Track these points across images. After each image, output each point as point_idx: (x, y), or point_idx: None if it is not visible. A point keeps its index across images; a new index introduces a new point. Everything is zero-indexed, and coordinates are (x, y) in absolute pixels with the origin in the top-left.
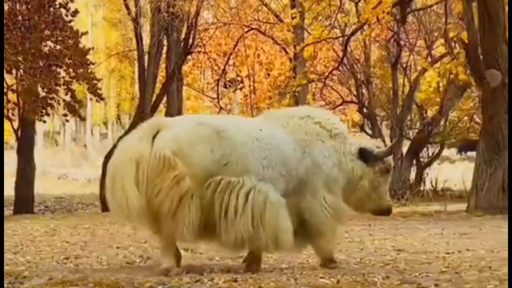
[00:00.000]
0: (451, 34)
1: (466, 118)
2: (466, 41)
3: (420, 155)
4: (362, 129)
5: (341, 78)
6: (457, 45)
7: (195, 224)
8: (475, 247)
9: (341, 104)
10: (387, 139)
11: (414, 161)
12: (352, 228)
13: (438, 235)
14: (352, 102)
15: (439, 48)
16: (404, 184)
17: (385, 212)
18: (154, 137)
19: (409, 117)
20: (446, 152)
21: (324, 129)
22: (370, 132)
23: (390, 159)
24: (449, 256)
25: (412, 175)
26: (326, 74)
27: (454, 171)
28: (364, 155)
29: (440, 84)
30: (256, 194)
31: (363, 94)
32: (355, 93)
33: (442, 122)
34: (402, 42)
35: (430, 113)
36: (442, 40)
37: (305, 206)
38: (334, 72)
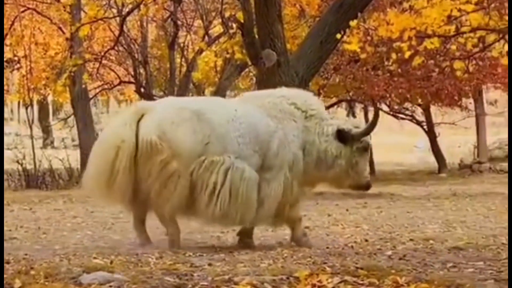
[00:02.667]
0: (227, 14)
1: None
2: (242, 21)
3: None
4: None
5: (118, 58)
6: (233, 25)
7: (181, 202)
8: None
9: (118, 84)
10: None
11: None
12: None
13: None
14: (130, 82)
15: (216, 28)
16: None
17: (364, 187)
18: (138, 121)
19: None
20: None
21: (299, 110)
22: None
23: (367, 138)
24: (223, 235)
25: None
26: (102, 53)
27: None
28: (342, 135)
29: (217, 64)
30: (234, 171)
31: (141, 74)
32: (132, 73)
33: None
34: (179, 22)
35: (208, 92)
36: (219, 20)
37: (265, 178)
38: (112, 52)
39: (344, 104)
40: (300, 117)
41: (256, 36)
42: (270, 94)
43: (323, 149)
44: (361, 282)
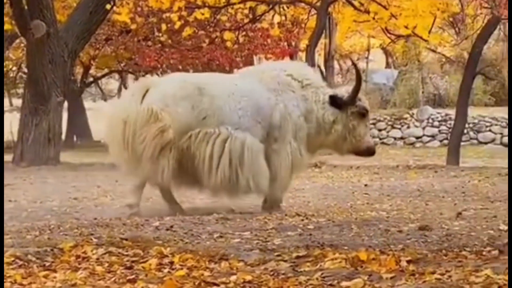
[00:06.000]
0: None
1: (14, 68)
2: None
3: None
4: None
5: None
6: None
7: (171, 171)
8: (18, 198)
9: None
10: None
11: None
12: None
13: None
14: None
15: None
16: None
17: (365, 152)
18: (144, 95)
19: None
20: None
21: (295, 80)
22: None
23: (363, 102)
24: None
25: None
26: None
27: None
28: (334, 101)
29: None
30: (233, 141)
31: None
32: None
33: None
34: None
35: None
36: None
37: (273, 149)
38: None
39: (116, 75)
40: (297, 87)
41: (25, 7)
42: (267, 68)
43: (321, 116)
44: (125, 253)
